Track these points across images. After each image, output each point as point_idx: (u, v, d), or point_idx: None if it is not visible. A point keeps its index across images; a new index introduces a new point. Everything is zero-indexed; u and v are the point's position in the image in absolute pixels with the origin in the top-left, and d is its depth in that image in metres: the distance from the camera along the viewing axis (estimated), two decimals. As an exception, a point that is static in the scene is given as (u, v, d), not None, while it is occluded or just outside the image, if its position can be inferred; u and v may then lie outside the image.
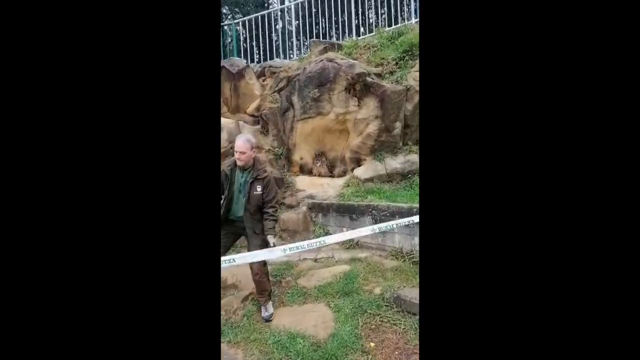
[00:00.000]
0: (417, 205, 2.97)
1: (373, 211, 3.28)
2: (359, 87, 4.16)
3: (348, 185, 4.28)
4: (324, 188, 4.46)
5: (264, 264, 2.44)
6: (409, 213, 2.96)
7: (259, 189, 2.34)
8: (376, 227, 2.47)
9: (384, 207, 3.20)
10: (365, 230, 2.49)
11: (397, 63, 4.58)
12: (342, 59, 4.21)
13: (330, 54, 4.29)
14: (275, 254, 2.07)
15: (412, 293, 2.39)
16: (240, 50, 6.67)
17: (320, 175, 4.54)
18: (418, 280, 2.57)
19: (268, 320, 2.43)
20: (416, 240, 2.95)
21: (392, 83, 4.32)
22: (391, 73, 4.53)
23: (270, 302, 2.51)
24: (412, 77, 4.24)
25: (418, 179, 4.17)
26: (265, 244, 2.32)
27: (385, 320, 2.29)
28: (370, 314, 2.35)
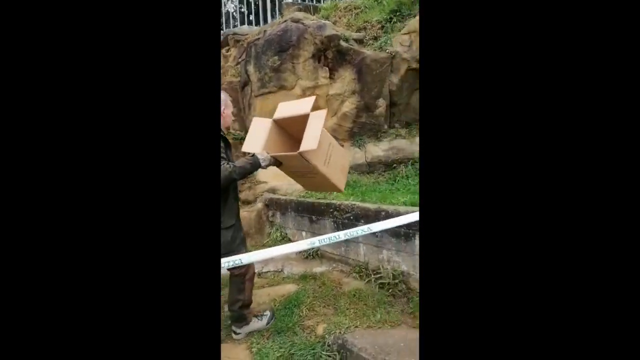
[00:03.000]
0: (386, 207, 2.19)
1: (335, 212, 2.52)
2: (332, 55, 3.33)
3: (320, 177, 3.51)
4: (291, 180, 3.70)
5: None
6: (375, 217, 2.19)
7: None
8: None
9: (347, 208, 2.43)
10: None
11: (382, 27, 3.72)
12: (311, 20, 3.37)
13: (298, 14, 3.45)
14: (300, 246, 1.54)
15: (364, 338, 1.63)
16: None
17: (287, 164, 3.77)
18: (379, 315, 1.82)
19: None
20: (384, 254, 2.18)
21: (374, 50, 3.48)
22: (375, 39, 3.67)
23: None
24: (399, 41, 3.39)
25: (403, 170, 3.38)
26: None
27: (321, 380, 1.56)
28: (302, 367, 1.62)
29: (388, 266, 2.14)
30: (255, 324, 1.88)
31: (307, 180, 1.91)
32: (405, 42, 3.36)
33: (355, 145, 3.62)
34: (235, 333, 1.86)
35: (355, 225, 2.35)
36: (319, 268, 2.51)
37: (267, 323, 1.89)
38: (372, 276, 2.17)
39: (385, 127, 3.69)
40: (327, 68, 3.35)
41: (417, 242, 1.98)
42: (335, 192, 3.02)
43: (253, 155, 1.68)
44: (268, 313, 1.93)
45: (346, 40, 3.47)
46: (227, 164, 1.63)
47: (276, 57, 3.25)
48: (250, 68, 3.41)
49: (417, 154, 3.42)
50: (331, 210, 2.54)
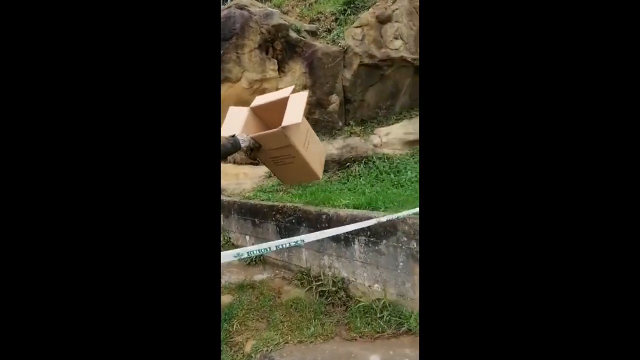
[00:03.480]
0: (327, 210, 2.05)
1: (277, 215, 2.34)
2: (280, 46, 3.14)
3: (271, 176, 3.32)
4: (240, 179, 3.49)
5: None
6: (316, 220, 2.04)
7: None
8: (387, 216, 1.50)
9: (290, 211, 2.26)
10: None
11: (336, 19, 3.58)
12: (258, 8, 3.15)
13: (244, 0, 3.21)
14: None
15: (292, 356, 1.48)
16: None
17: (236, 162, 3.55)
18: (313, 327, 1.67)
19: None
20: (326, 260, 2.04)
21: (326, 43, 3.32)
22: (329, 31, 3.53)
23: None
24: (352, 35, 3.25)
25: (357, 169, 3.27)
26: None
27: (243, 407, 1.39)
28: (223, 393, 1.44)
29: (329, 272, 2.00)
30: None
31: (285, 169, 1.73)
32: (357, 35, 3.23)
33: (309, 142, 3.47)
34: None
35: (298, 229, 2.19)
36: (260, 275, 2.33)
37: None
38: (314, 283, 2.03)
39: (340, 124, 3.56)
40: (275, 60, 3.15)
41: (356, 246, 1.85)
42: (280, 193, 2.86)
43: (233, 136, 1.51)
44: None
45: (298, 31, 3.30)
46: None
47: (219, 47, 3.00)
48: (192, 58, 3.15)
49: (370, 153, 3.32)
50: (274, 213, 2.37)
